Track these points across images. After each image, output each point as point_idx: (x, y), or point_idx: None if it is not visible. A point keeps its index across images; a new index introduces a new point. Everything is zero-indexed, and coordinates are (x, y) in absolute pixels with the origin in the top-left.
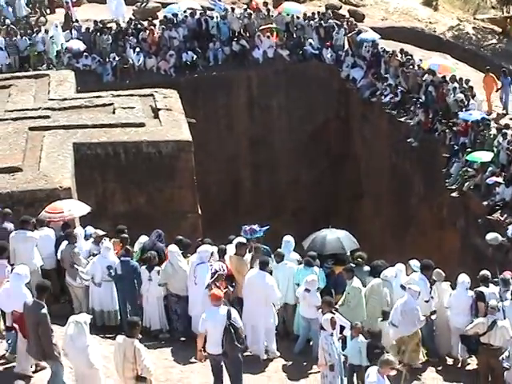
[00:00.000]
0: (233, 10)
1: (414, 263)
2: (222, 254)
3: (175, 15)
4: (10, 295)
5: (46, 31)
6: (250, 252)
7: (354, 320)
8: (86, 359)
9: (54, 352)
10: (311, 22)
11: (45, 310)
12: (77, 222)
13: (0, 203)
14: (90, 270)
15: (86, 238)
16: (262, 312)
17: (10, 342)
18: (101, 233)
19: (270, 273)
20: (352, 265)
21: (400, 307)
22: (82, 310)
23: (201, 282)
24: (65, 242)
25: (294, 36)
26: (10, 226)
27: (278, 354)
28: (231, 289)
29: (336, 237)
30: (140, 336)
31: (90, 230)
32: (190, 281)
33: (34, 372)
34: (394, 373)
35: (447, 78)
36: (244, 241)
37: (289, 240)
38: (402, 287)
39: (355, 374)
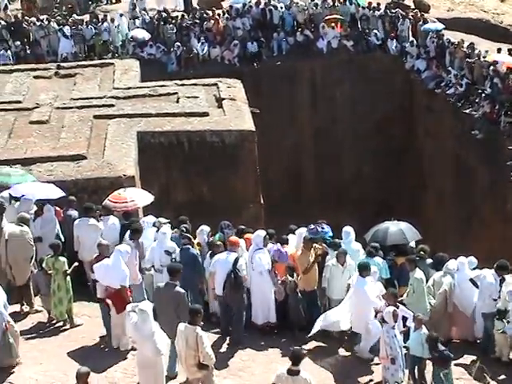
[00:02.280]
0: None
1: (470, 260)
2: (284, 243)
3: (244, 5)
4: (108, 270)
5: (112, 20)
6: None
7: (417, 311)
8: (152, 346)
9: None
10: (376, 12)
11: (180, 289)
12: (140, 210)
13: (65, 191)
14: (149, 256)
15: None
16: (365, 317)
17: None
18: (163, 220)
19: None
20: (415, 256)
21: None
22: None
23: (259, 269)
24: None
25: (359, 26)
26: (74, 213)
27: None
28: (290, 278)
29: (398, 228)
30: (202, 323)
31: (152, 218)
32: (249, 268)
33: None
34: None
35: None
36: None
37: (348, 231)
38: (471, 281)
39: (416, 367)
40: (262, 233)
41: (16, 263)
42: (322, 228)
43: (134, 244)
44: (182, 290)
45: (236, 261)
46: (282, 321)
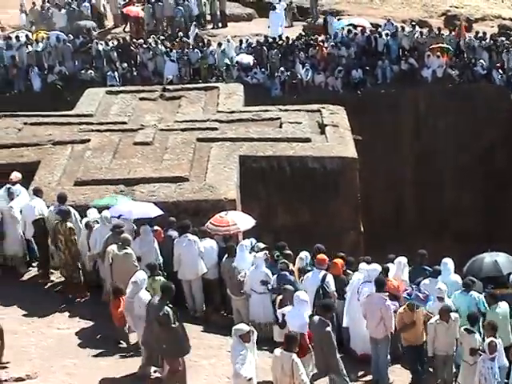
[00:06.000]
0: (403, 28)
1: None
2: (385, 273)
3: (350, 31)
4: (291, 317)
5: (220, 44)
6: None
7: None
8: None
9: (337, 366)
10: (482, 42)
11: (329, 328)
12: (240, 234)
13: (166, 212)
14: (248, 282)
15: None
16: None
17: None
18: (261, 245)
19: None
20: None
21: None
22: (243, 321)
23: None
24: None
25: (464, 56)
26: (174, 233)
27: None
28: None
29: (493, 260)
30: (297, 350)
31: (252, 242)
32: (352, 297)
33: None
34: None
35: None
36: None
37: (446, 262)
38: None
39: None
40: (379, 268)
41: (122, 284)
42: (417, 295)
43: None
44: (329, 329)
45: (324, 277)
46: None
